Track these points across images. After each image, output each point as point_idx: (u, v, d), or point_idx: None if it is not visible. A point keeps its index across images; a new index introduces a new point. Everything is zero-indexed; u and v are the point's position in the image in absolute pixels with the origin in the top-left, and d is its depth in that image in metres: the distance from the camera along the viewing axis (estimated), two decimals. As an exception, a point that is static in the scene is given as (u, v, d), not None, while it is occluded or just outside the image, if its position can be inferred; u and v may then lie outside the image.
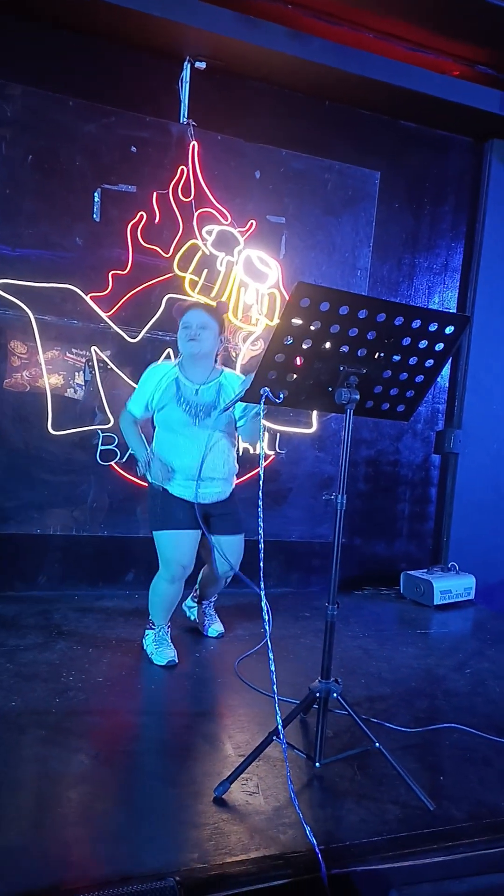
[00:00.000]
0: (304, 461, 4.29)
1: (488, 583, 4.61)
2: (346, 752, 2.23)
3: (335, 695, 2.15)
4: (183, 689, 2.80)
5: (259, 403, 2.10)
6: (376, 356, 2.12)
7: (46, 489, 3.77)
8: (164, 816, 1.89)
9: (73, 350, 3.75)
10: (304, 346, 2.04)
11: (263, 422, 2.20)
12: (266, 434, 3.85)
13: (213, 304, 3.23)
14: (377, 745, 2.11)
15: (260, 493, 2.07)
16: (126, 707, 2.56)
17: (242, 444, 3.81)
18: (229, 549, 2.95)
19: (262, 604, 2.07)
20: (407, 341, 2.12)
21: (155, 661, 2.94)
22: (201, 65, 3.79)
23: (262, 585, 2.07)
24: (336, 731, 2.40)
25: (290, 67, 3.83)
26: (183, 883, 1.58)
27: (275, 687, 2.00)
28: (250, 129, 4.01)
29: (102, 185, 3.72)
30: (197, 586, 3.40)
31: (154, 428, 3.00)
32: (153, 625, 3.05)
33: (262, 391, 2.09)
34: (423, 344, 2.14)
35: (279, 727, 2.01)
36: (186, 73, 3.81)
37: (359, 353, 2.09)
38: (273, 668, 2.01)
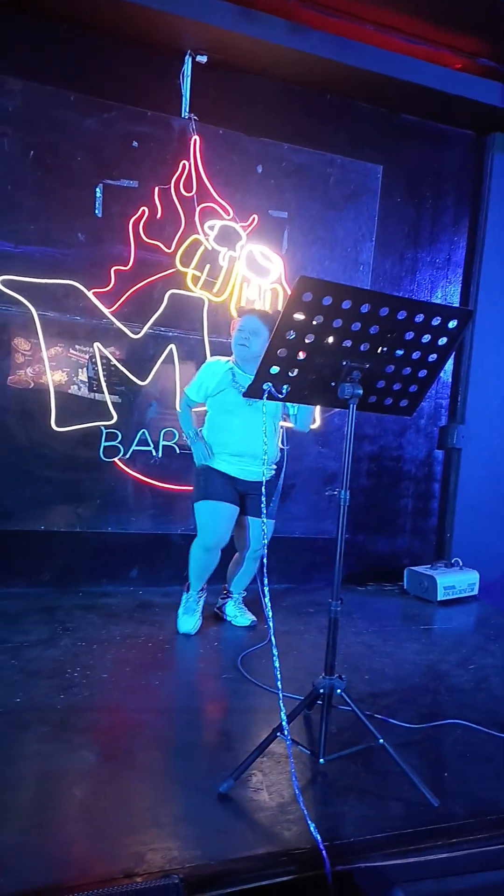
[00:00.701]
0: (307, 457, 4.29)
1: (492, 578, 4.60)
2: (350, 748, 2.23)
3: (339, 691, 2.14)
4: (187, 685, 2.81)
5: (262, 398, 2.10)
6: (379, 351, 2.11)
7: (50, 486, 3.77)
8: (167, 813, 1.89)
9: (76, 346, 3.75)
10: (307, 341, 2.03)
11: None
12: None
13: (269, 311, 3.48)
14: (381, 741, 2.10)
15: (267, 493, 2.06)
16: (130, 703, 2.56)
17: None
18: (255, 530, 3.29)
19: (265, 600, 2.06)
20: (410, 336, 2.10)
21: (178, 627, 3.24)
22: (202, 59, 3.77)
23: (266, 581, 2.06)
24: (340, 728, 2.39)
25: (292, 61, 3.81)
26: (186, 880, 1.58)
27: (279, 683, 1.99)
28: (252, 124, 3.99)
29: (104, 180, 3.71)
30: (228, 582, 3.54)
31: (207, 414, 3.32)
32: (188, 588, 3.31)
33: (264, 386, 2.08)
34: (426, 338, 2.13)
35: (283, 723, 2.01)
36: (187, 68, 3.79)
37: (361, 348, 2.08)
38: (277, 664, 2.00)
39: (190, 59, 3.77)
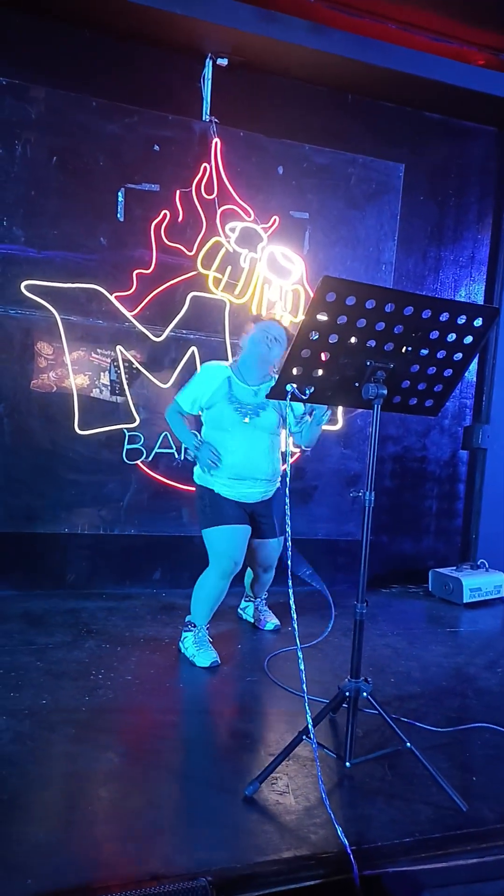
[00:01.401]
0: (330, 458, 4.26)
1: (519, 580, 4.54)
2: (377, 751, 2.21)
3: (365, 694, 2.13)
4: (212, 687, 2.80)
5: (286, 399, 2.09)
6: (403, 350, 2.09)
7: (74, 488, 3.79)
8: (193, 815, 1.89)
9: (99, 350, 3.77)
10: (331, 342, 2.01)
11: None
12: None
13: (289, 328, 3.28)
14: (408, 744, 2.08)
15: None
16: (155, 705, 2.57)
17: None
18: (273, 550, 3.19)
19: (290, 602, 2.05)
20: (435, 335, 2.08)
21: (197, 664, 2.92)
22: (223, 61, 3.78)
23: (290, 584, 2.05)
24: (366, 731, 2.38)
25: (312, 61, 3.80)
26: (214, 882, 1.58)
27: (304, 686, 1.98)
28: (272, 125, 3.99)
29: (126, 184, 3.73)
30: (247, 588, 3.52)
31: (201, 426, 3.12)
32: (193, 626, 3.04)
33: (288, 387, 2.07)
34: (451, 337, 2.10)
35: (309, 726, 1.99)
36: (208, 71, 3.80)
37: (386, 348, 2.07)
38: (302, 666, 1.99)
39: (210, 62, 3.79)
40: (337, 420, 4.22)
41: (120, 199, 3.73)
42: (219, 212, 3.85)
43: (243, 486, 2.99)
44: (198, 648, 2.97)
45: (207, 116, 3.84)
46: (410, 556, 4.61)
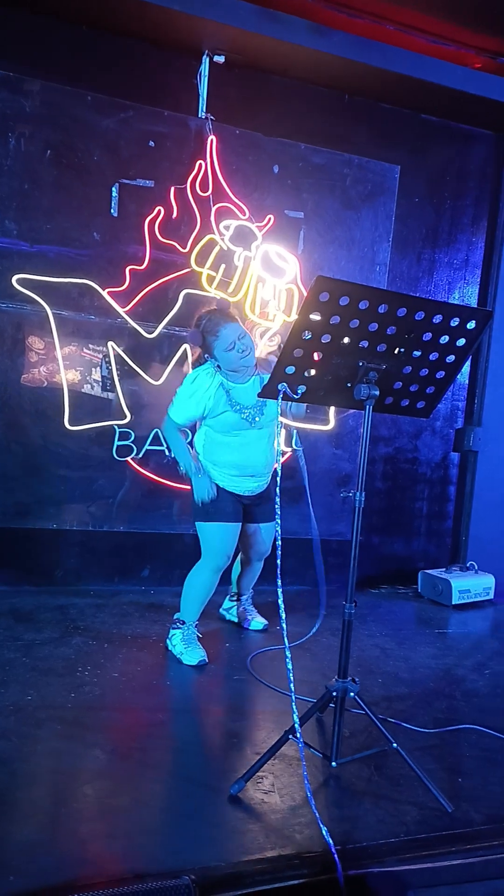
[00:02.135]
0: (321, 458, 4.27)
1: (507, 582, 4.56)
2: (363, 751, 2.21)
3: (352, 694, 2.12)
4: (198, 685, 2.80)
5: (277, 399, 2.09)
6: (396, 351, 2.09)
7: (63, 484, 3.78)
8: (179, 814, 1.88)
9: (90, 345, 3.75)
10: (323, 342, 2.01)
11: (281, 418, 2.19)
12: (283, 431, 3.84)
13: (224, 305, 3.10)
14: (395, 745, 2.08)
15: (272, 497, 2.04)
16: (141, 703, 2.56)
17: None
18: (267, 535, 3.19)
19: (279, 601, 2.05)
20: (427, 336, 2.08)
21: (185, 662, 2.92)
22: (220, 59, 3.77)
23: (280, 583, 2.05)
24: (353, 731, 2.38)
25: (310, 61, 3.80)
26: (198, 881, 1.57)
27: (291, 685, 1.98)
28: (269, 124, 3.98)
29: (120, 179, 3.71)
30: (233, 586, 3.49)
31: (201, 429, 3.05)
32: (181, 623, 3.03)
33: (279, 387, 2.07)
34: (443, 339, 2.10)
35: (296, 725, 1.99)
36: (205, 68, 3.79)
37: (378, 349, 2.07)
38: (290, 665, 1.99)
39: (207, 60, 3.77)
40: (328, 420, 4.22)
41: (114, 194, 3.71)
42: (213, 209, 3.84)
43: (244, 480, 3.01)
44: (186, 646, 2.96)
45: (203, 113, 3.82)
46: (401, 557, 4.62)
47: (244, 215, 3.91)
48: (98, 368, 3.77)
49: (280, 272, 4.00)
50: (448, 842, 1.83)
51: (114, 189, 3.71)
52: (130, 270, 3.75)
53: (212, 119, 3.82)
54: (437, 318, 2.04)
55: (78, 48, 3.62)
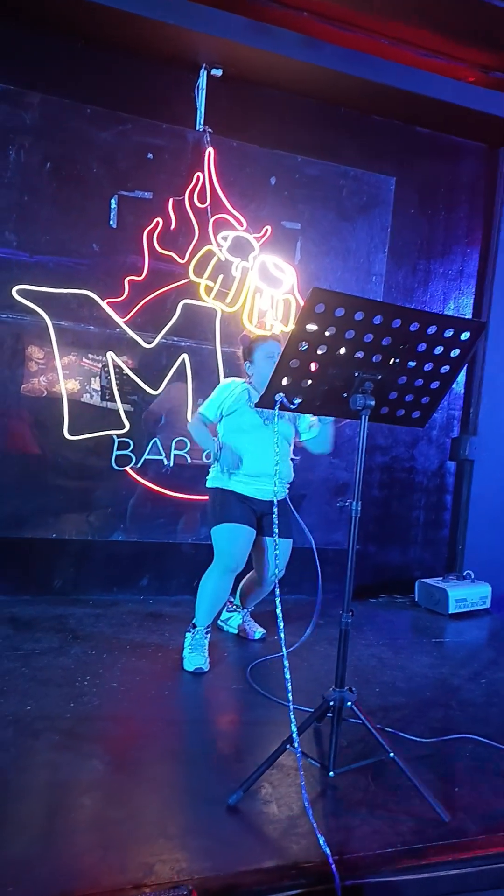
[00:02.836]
0: (318, 467, 4.28)
1: (504, 591, 4.57)
2: (361, 761, 2.21)
3: (349, 703, 2.13)
4: (197, 695, 2.80)
5: (274, 409, 2.10)
6: (391, 362, 2.11)
7: (62, 494, 3.78)
8: (176, 824, 1.89)
9: (90, 355, 3.78)
10: (319, 352, 2.03)
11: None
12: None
13: (279, 336, 3.37)
14: (391, 754, 2.08)
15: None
16: (139, 713, 2.56)
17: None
18: (281, 551, 3.17)
19: (277, 611, 2.06)
20: (422, 347, 2.10)
21: (184, 666, 2.97)
22: (217, 72, 3.81)
23: (277, 592, 2.06)
24: (350, 741, 2.38)
25: (305, 74, 3.84)
26: (196, 891, 1.57)
27: (289, 695, 1.99)
28: (266, 136, 4.02)
29: (119, 191, 3.75)
30: (237, 596, 3.51)
31: (220, 432, 3.18)
32: (194, 627, 3.08)
33: (276, 397, 2.09)
34: (438, 350, 2.12)
35: (293, 735, 1.99)
36: (202, 81, 3.83)
37: (374, 359, 2.09)
38: (288, 675, 2.00)
39: (205, 73, 3.82)
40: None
41: (113, 205, 3.75)
42: (211, 220, 3.88)
43: (259, 482, 3.08)
44: (190, 651, 3.01)
45: (201, 126, 3.87)
46: (397, 566, 4.63)
47: (241, 226, 3.94)
48: (97, 378, 3.79)
49: (277, 282, 4.03)
50: (444, 852, 1.83)
51: (113, 201, 3.74)
52: (129, 281, 3.78)
53: (209, 131, 3.86)
54: (432, 329, 2.07)
55: (77, 62, 3.66)
